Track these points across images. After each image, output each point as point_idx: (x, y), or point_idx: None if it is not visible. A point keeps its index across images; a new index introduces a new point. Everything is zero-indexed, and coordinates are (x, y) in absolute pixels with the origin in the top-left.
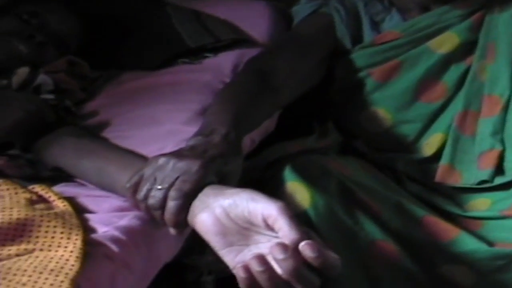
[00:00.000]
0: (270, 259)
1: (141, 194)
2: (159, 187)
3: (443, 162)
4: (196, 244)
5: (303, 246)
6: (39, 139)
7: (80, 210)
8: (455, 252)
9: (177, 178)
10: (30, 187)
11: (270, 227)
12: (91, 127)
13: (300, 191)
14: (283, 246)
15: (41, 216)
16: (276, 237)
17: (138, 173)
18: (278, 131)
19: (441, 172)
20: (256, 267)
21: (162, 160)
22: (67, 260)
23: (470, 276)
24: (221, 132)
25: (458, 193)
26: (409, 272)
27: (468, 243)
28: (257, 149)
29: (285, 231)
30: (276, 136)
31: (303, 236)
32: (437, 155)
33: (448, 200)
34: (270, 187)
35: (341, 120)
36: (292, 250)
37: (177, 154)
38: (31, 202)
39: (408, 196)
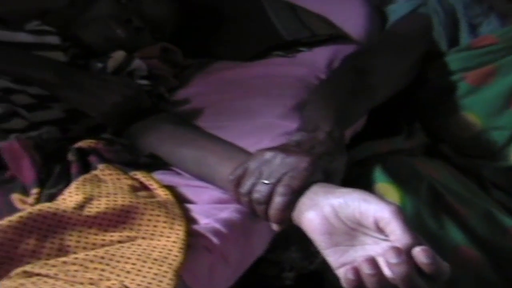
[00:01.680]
0: (380, 262)
1: (244, 187)
2: (265, 181)
3: None
4: (280, 239)
5: (418, 251)
6: (131, 124)
7: (180, 200)
8: None
9: (284, 174)
10: (132, 173)
11: (380, 230)
12: (184, 115)
13: (390, 193)
14: (397, 251)
15: (145, 204)
16: (384, 239)
17: (242, 166)
18: (364, 130)
19: None
20: (366, 270)
21: (268, 155)
22: (170, 250)
23: None
24: (325, 129)
25: None
26: (489, 281)
27: None
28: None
29: (398, 235)
30: (363, 135)
31: (416, 241)
32: None
33: None
34: (358, 186)
35: (429, 122)
36: (405, 255)
37: (284, 149)
38: (133, 189)
39: (495, 204)
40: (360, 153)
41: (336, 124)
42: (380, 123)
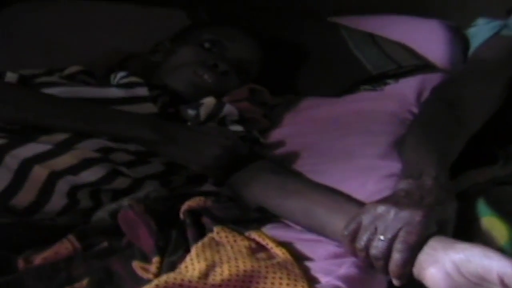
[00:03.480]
0: None
1: (361, 243)
2: (382, 238)
3: None
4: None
5: None
6: (231, 173)
7: (297, 257)
8: None
9: (400, 229)
10: (246, 233)
11: (505, 285)
12: (281, 159)
13: (496, 227)
14: None
15: (266, 267)
16: None
17: (354, 219)
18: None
19: None
20: None
21: (381, 209)
22: None
23: None
24: (431, 174)
25: None
26: None
27: None
28: None
29: None
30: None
31: None
32: None
33: None
34: (463, 221)
35: None
36: None
37: (396, 202)
38: (252, 251)
39: None
40: (459, 184)
41: (440, 168)
42: (472, 150)
